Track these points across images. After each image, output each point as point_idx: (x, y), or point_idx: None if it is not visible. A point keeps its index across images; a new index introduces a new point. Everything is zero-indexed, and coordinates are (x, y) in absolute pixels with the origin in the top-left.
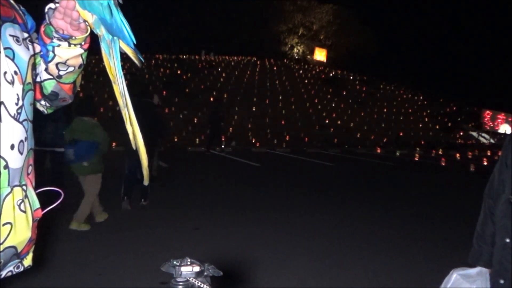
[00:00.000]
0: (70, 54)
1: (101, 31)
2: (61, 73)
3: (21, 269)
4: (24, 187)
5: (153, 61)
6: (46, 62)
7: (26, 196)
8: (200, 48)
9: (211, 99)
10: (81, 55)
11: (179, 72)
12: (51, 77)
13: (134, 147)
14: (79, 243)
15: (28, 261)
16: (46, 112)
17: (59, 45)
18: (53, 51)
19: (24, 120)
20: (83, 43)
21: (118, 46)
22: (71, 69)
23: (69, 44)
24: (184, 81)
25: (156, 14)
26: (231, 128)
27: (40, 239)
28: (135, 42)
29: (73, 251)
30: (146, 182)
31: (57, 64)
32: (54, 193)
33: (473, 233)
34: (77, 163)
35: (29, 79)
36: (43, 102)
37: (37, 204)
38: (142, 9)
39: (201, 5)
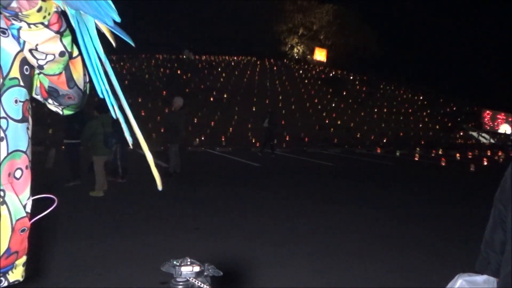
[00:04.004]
0: (39, 38)
1: (63, 6)
2: (40, 62)
3: (5, 284)
4: (2, 193)
5: (153, 61)
6: (21, 50)
7: (3, 203)
8: (202, 48)
9: (211, 99)
10: (60, 40)
11: (179, 72)
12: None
13: (130, 143)
14: (79, 243)
15: (15, 275)
16: (62, 113)
17: (20, 28)
18: (19, 35)
19: (2, 117)
20: (46, 23)
21: (92, 24)
22: (50, 57)
23: (28, 25)
24: (184, 81)
25: (155, 13)
26: (231, 128)
27: (39, 239)
28: (116, 19)
29: (73, 251)
30: (159, 187)
31: (30, 52)
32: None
33: (474, 233)
34: (108, 147)
35: (14, 74)
36: (50, 101)
37: (21, 213)
38: (142, 8)
39: (201, 5)
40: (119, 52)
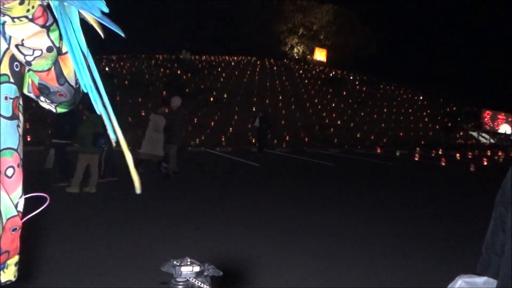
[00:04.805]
0: (24, 33)
1: None
2: (28, 58)
3: None
4: None
5: (153, 61)
6: (8, 46)
7: None
8: (201, 48)
9: (211, 99)
10: (47, 34)
11: (179, 72)
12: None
13: (113, 140)
14: (79, 243)
15: (7, 275)
16: (55, 111)
17: (4, 22)
18: (4, 30)
19: None
20: (30, 17)
21: (76, 15)
22: (37, 52)
23: (12, 19)
24: (184, 81)
25: (156, 13)
26: (231, 128)
27: (39, 240)
28: (104, 9)
29: (72, 251)
30: (137, 190)
31: (17, 47)
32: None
33: (474, 233)
34: (97, 147)
35: (3, 71)
36: (42, 99)
37: (12, 212)
38: (143, 8)
39: (201, 5)
40: (119, 52)
